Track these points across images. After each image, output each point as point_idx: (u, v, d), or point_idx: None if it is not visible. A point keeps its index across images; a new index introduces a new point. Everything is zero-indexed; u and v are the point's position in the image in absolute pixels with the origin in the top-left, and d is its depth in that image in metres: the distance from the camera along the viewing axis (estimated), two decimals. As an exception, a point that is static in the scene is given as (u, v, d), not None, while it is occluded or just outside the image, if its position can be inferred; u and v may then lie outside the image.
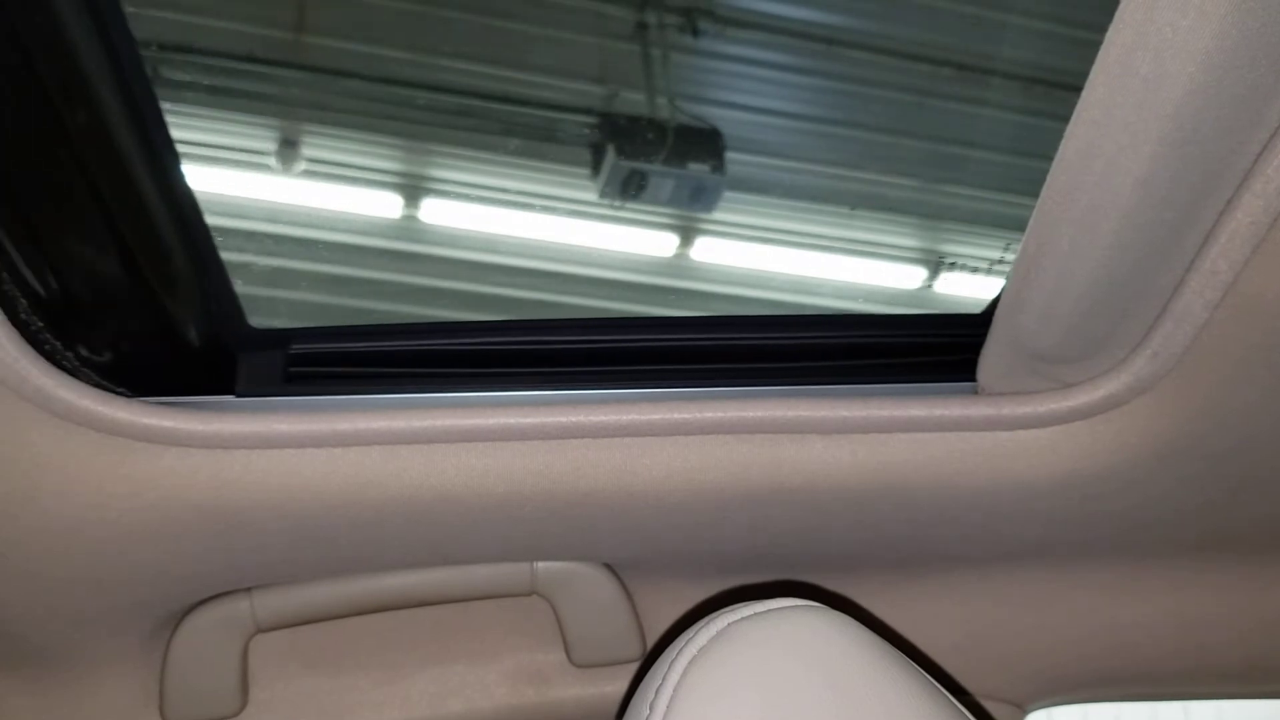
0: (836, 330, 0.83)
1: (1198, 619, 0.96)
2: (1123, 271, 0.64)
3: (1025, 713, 0.98)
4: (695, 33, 1.06)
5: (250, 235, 1.01)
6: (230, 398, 0.73)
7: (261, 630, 0.82)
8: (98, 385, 0.69)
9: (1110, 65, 0.56)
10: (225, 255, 0.99)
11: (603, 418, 0.73)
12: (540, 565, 0.84)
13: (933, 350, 0.82)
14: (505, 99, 1.03)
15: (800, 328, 0.83)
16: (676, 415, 0.74)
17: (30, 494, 0.68)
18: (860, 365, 0.81)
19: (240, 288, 1.00)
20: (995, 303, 0.74)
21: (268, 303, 1.01)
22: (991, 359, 0.75)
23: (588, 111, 1.06)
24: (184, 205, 0.70)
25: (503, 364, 0.78)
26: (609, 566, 0.86)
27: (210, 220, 0.98)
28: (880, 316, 0.87)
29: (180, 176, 0.68)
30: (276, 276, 1.05)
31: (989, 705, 0.96)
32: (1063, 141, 0.61)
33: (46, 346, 0.66)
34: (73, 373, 0.67)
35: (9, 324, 0.64)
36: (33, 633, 0.77)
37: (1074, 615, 0.94)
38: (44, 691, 0.81)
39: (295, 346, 0.75)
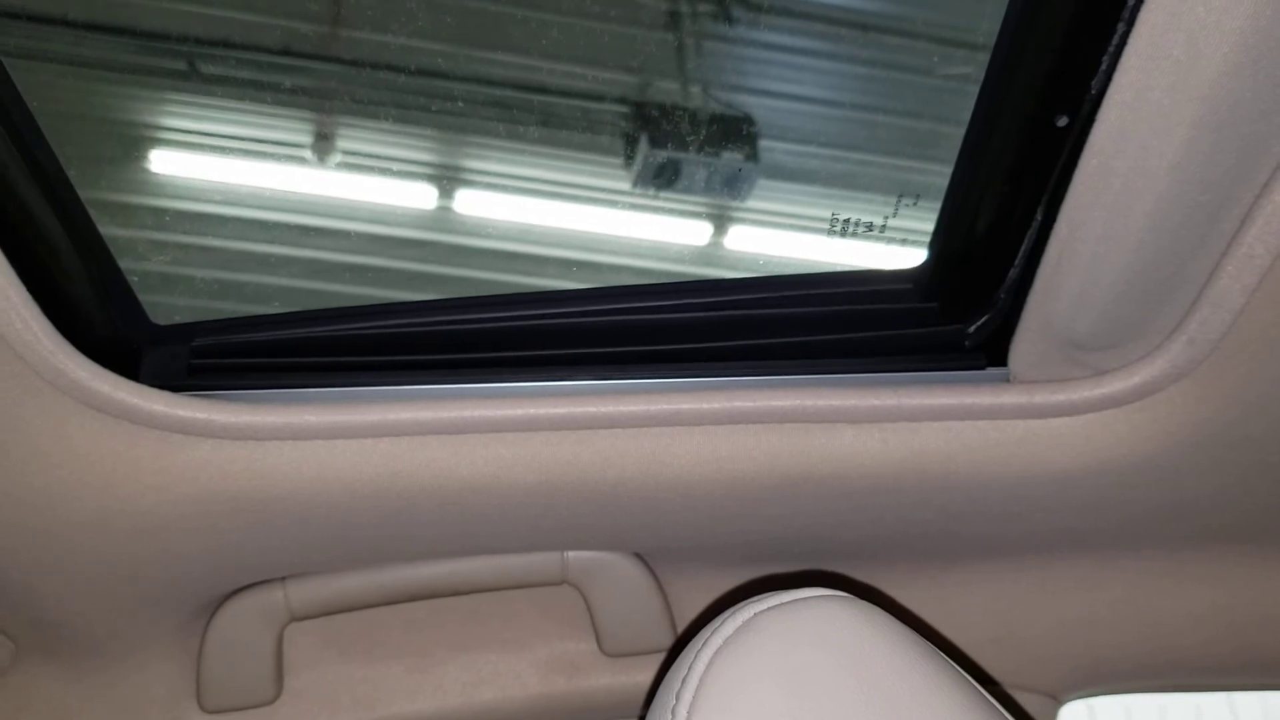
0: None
1: (1239, 608, 0.94)
2: (1157, 256, 0.63)
3: (1061, 704, 0.97)
4: (729, 20, 1.05)
5: (285, 227, 1.01)
6: (265, 391, 0.74)
7: (295, 619, 0.83)
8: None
9: (1142, 47, 0.55)
10: (268, 249, 1.00)
11: (631, 407, 0.73)
12: (571, 555, 0.84)
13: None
14: (538, 89, 1.03)
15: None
16: (705, 405, 0.74)
17: (68, 485, 0.69)
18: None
19: (274, 279, 1.01)
20: (1018, 288, 0.73)
21: (309, 295, 1.02)
22: (1024, 346, 0.74)
23: (621, 101, 1.06)
24: (73, 212, 0.70)
25: (414, 349, 0.77)
26: (639, 556, 0.86)
27: (249, 214, 0.99)
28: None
29: (68, 184, 0.68)
30: (319, 268, 1.06)
31: (1024, 696, 0.95)
32: (1094, 126, 0.60)
33: None
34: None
35: (45, 319, 0.65)
36: (72, 622, 0.78)
37: (1111, 605, 0.93)
38: (84, 680, 0.82)
39: (199, 340, 0.75)
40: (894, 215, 0.95)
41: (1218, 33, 0.52)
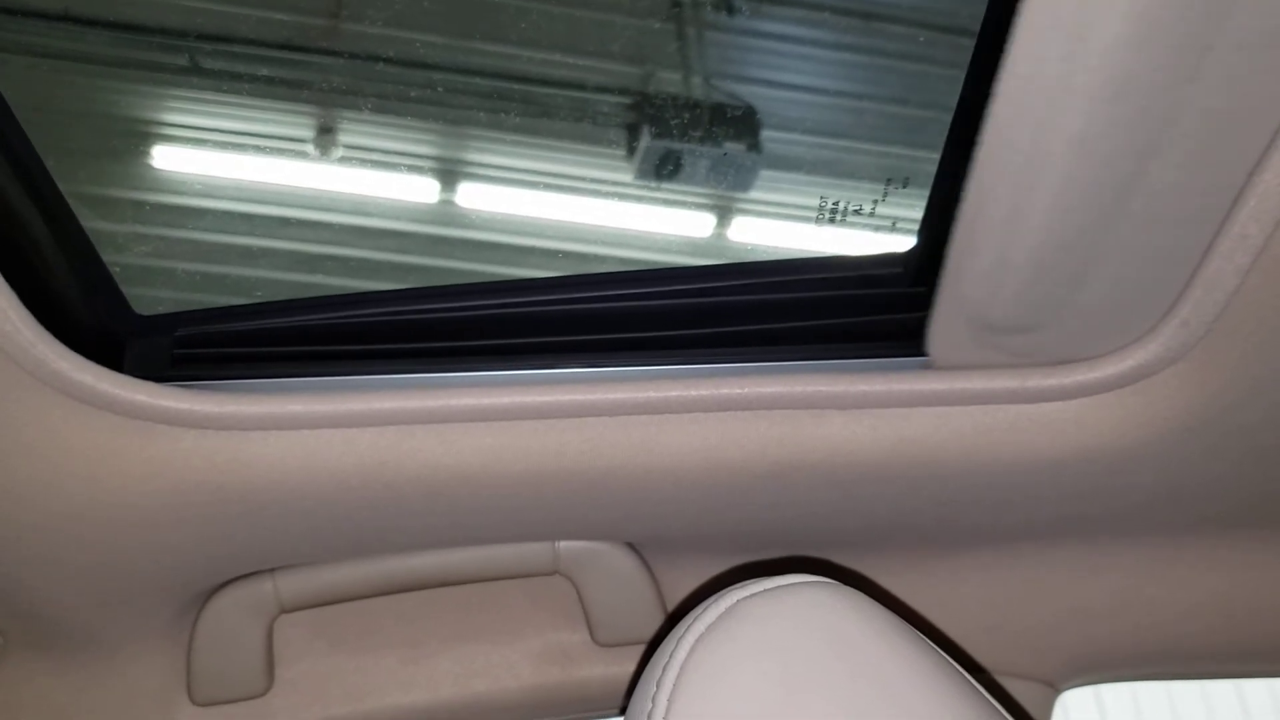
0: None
1: (1237, 596, 0.93)
2: (1065, 235, 0.61)
3: (1059, 692, 0.96)
4: (730, 10, 1.05)
5: (270, 219, 1.01)
6: (249, 380, 0.74)
7: (285, 611, 0.83)
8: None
9: (1034, 15, 0.53)
10: (252, 241, 1.00)
11: (620, 395, 0.73)
12: (562, 545, 0.84)
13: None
14: (539, 81, 1.03)
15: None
16: (693, 392, 0.73)
17: (52, 477, 0.69)
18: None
19: (259, 271, 1.01)
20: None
21: (295, 288, 1.02)
22: (940, 329, 0.72)
23: (622, 92, 1.06)
24: (54, 205, 0.70)
25: (400, 338, 0.77)
26: (631, 545, 0.86)
27: (232, 206, 0.99)
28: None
29: (48, 177, 0.68)
30: (317, 262, 1.06)
31: (1021, 685, 0.94)
32: (992, 100, 0.57)
33: None
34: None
35: (27, 311, 0.65)
36: (62, 616, 0.78)
37: (1108, 592, 0.92)
38: (74, 674, 0.82)
39: (182, 330, 0.75)
40: (882, 200, 0.94)
41: None
